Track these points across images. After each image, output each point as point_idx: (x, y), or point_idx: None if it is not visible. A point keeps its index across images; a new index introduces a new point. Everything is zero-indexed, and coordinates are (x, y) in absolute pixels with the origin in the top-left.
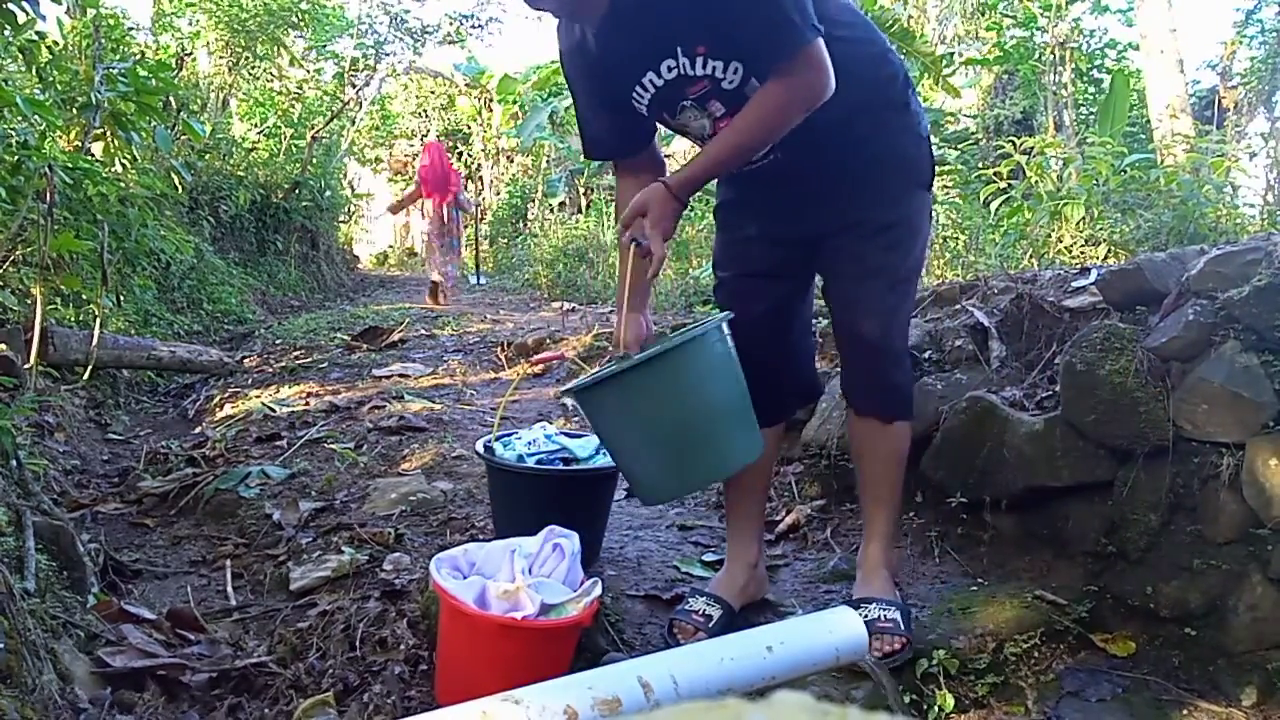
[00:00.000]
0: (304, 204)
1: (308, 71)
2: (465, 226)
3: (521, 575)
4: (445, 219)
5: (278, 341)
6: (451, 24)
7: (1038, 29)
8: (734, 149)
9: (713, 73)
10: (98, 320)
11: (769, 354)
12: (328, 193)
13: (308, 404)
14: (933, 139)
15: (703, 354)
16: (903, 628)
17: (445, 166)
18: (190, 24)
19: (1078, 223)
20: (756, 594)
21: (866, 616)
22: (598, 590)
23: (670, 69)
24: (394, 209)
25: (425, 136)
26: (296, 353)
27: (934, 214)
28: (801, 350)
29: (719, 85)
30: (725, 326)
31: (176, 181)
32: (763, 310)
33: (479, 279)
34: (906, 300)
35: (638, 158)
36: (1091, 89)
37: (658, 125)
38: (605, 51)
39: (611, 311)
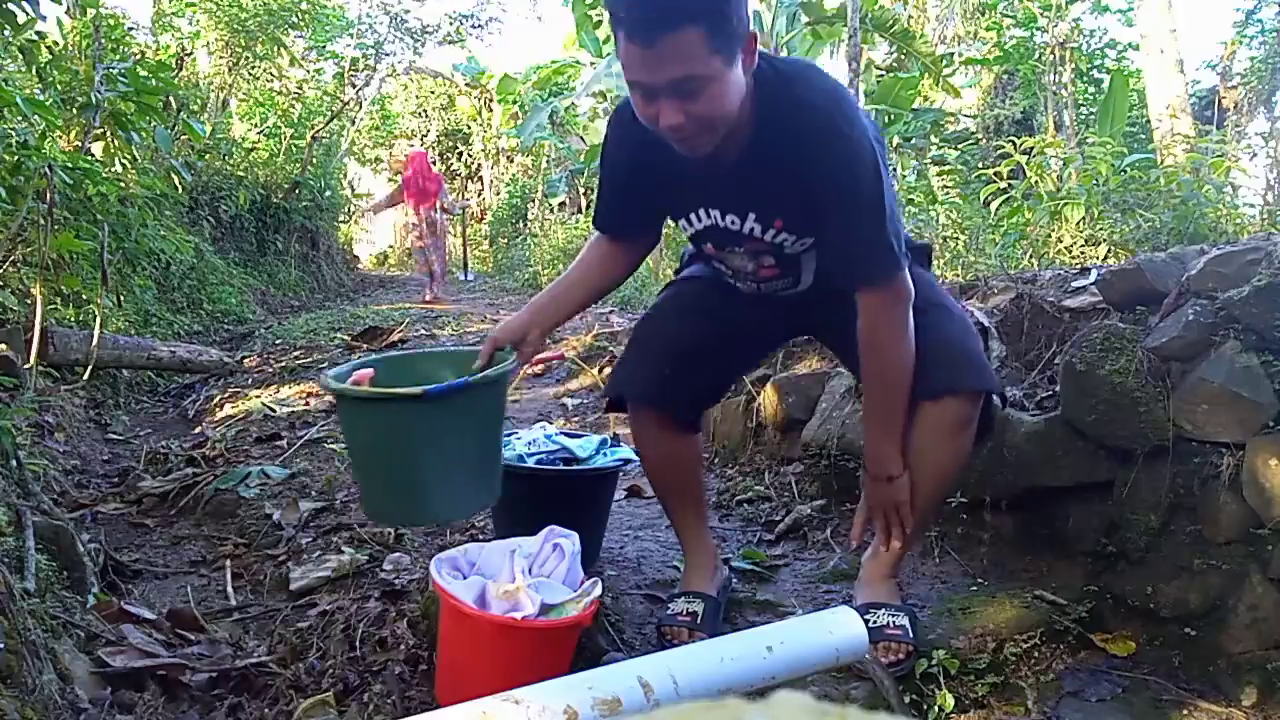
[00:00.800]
0: (304, 204)
1: (308, 71)
2: (461, 226)
3: (521, 575)
4: (428, 222)
5: (278, 341)
6: (451, 24)
7: (1038, 29)
8: (889, 397)
9: (781, 243)
10: (98, 320)
11: (702, 346)
12: (328, 193)
13: (308, 404)
14: (933, 139)
15: (423, 413)
16: (911, 635)
17: (425, 175)
18: (190, 24)
19: (1078, 223)
20: (721, 571)
21: (875, 622)
22: (598, 590)
23: (733, 223)
24: (375, 209)
25: (425, 136)
26: (296, 353)
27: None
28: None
29: (781, 248)
30: (497, 384)
31: (176, 181)
32: (720, 321)
33: (467, 275)
34: (948, 314)
35: (626, 245)
36: (1091, 89)
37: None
38: (675, 170)
39: (611, 311)
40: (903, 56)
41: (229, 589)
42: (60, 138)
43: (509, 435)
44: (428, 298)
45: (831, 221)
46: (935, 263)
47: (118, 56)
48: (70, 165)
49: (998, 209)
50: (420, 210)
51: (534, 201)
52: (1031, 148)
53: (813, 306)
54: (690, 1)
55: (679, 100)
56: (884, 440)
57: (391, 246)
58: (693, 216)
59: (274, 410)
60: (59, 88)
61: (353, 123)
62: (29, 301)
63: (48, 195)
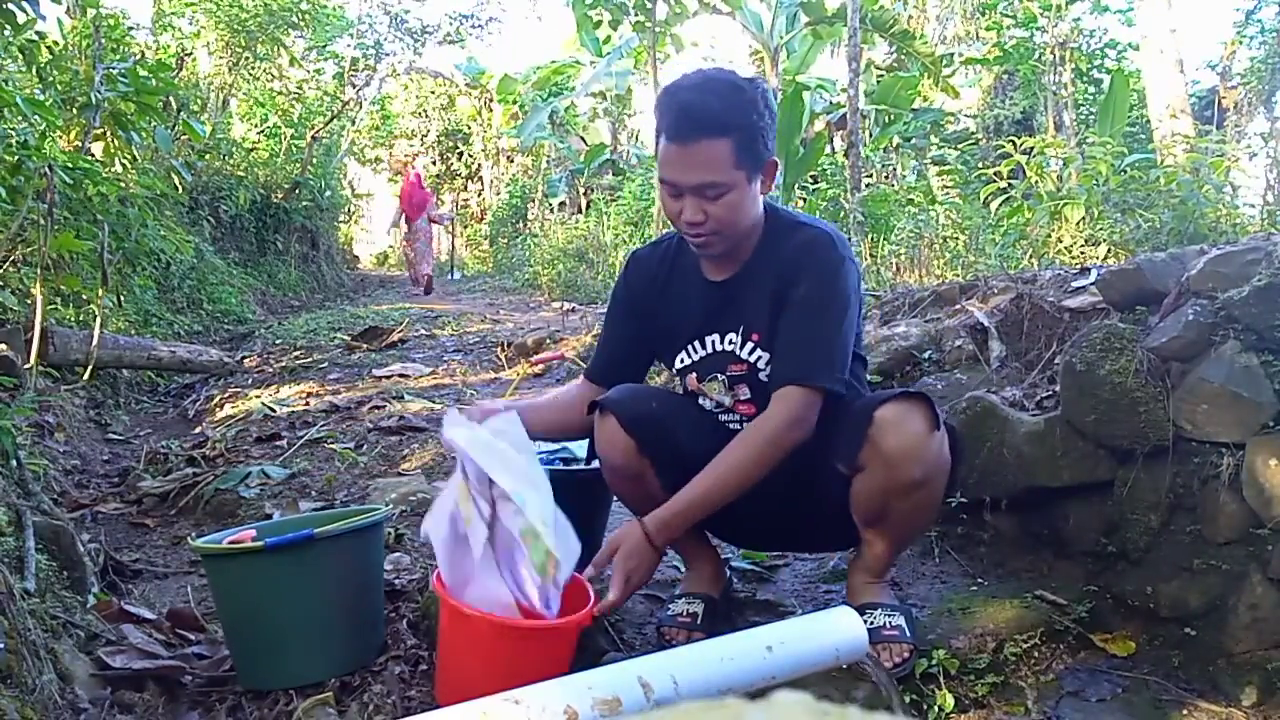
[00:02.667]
0: (304, 204)
1: (308, 72)
2: (449, 234)
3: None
4: (418, 231)
5: (278, 341)
6: (451, 24)
7: (1038, 29)
8: (719, 483)
9: (755, 361)
10: (98, 320)
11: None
12: (328, 193)
13: (308, 404)
14: (933, 139)
15: (267, 566)
16: (909, 634)
17: (418, 192)
18: (190, 24)
19: (1078, 223)
20: (723, 571)
21: (872, 624)
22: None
23: (731, 342)
24: (395, 224)
25: (425, 136)
26: (296, 353)
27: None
28: None
29: (755, 374)
30: (355, 538)
31: (176, 181)
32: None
33: (453, 274)
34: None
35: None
36: (1091, 89)
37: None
38: (678, 303)
39: None
40: (902, 56)
41: None
42: (60, 138)
43: None
44: (416, 291)
45: (790, 315)
46: (934, 264)
47: (118, 56)
48: (70, 165)
49: (998, 209)
50: (411, 221)
51: (534, 201)
52: (1031, 148)
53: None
54: (726, 118)
55: (701, 200)
56: (687, 516)
57: (391, 246)
58: (691, 348)
59: (274, 410)
60: (59, 88)
61: (353, 123)
62: (29, 301)
63: (48, 195)
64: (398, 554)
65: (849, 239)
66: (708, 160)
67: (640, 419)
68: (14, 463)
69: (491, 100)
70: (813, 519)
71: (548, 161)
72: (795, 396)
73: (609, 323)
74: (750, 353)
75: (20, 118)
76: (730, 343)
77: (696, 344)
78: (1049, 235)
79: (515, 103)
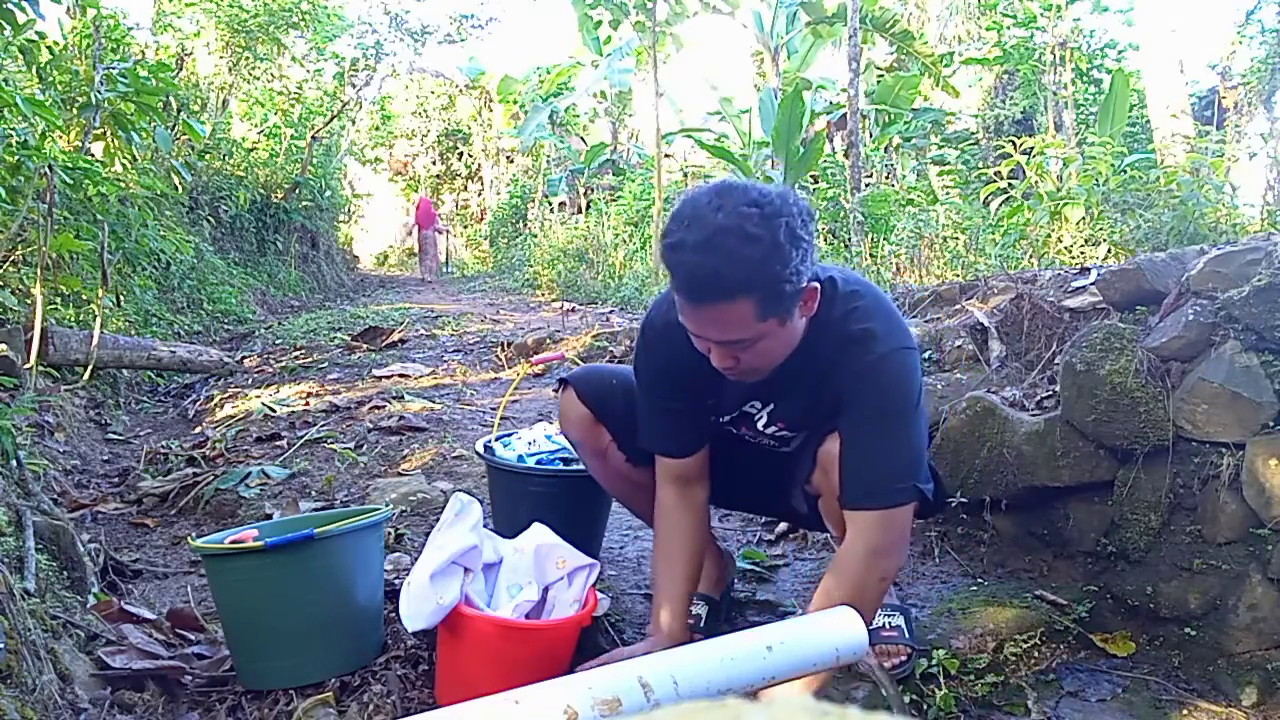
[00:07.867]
0: (304, 204)
1: (308, 72)
2: (449, 237)
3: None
4: (427, 241)
5: (278, 341)
6: (452, 23)
7: (1038, 29)
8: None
9: (771, 432)
10: (98, 320)
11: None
12: (328, 193)
13: (308, 404)
14: (933, 139)
15: (268, 566)
16: (907, 635)
17: (429, 211)
18: (190, 24)
19: (1078, 223)
20: (728, 573)
21: (871, 624)
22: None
23: (752, 407)
24: (407, 233)
25: (425, 136)
26: (296, 353)
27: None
28: None
29: (778, 444)
30: (354, 538)
31: (176, 182)
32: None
33: (449, 268)
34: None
35: (695, 459)
36: (1092, 89)
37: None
38: (716, 385)
39: (611, 311)
40: (902, 56)
41: None
42: (60, 138)
43: (509, 435)
44: (429, 279)
45: (851, 430)
46: (934, 264)
47: (118, 56)
48: (70, 165)
49: (998, 209)
50: (423, 231)
51: (534, 202)
52: (1031, 148)
53: (787, 459)
54: (740, 281)
55: (730, 349)
56: None
57: (392, 246)
58: (724, 418)
59: (274, 410)
60: (59, 88)
61: (353, 123)
62: (29, 301)
63: (48, 195)
64: (398, 554)
65: (854, 242)
66: (726, 322)
67: (598, 392)
68: (14, 463)
69: (491, 100)
70: (801, 504)
71: (548, 161)
72: (872, 524)
73: (650, 401)
74: (766, 426)
75: (20, 118)
76: (753, 407)
77: (725, 417)
78: (1049, 235)
79: (515, 103)
